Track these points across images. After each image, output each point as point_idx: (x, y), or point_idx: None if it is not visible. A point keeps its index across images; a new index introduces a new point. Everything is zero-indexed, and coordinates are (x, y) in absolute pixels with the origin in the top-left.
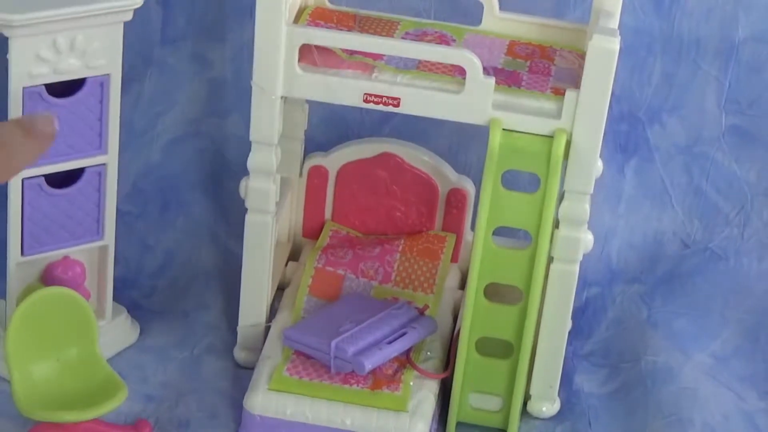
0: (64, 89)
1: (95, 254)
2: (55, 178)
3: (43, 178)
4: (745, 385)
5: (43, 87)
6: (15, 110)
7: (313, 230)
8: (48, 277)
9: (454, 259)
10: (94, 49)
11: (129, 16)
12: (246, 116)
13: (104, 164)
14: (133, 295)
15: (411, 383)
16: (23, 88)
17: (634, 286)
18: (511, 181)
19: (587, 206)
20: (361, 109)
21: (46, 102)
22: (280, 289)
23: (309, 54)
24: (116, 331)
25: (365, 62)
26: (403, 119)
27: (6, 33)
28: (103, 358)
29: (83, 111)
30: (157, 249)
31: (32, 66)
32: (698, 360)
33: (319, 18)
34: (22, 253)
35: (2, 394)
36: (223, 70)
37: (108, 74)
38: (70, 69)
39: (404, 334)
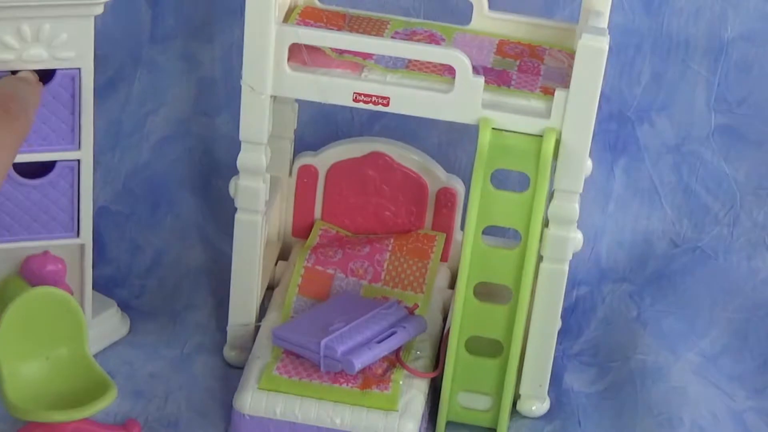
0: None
1: (76, 253)
2: (27, 169)
3: (12, 167)
4: (734, 383)
5: (9, 74)
6: None
7: (302, 229)
8: (26, 270)
9: (444, 258)
10: (61, 40)
11: (99, 10)
12: (235, 115)
13: (77, 160)
14: (122, 294)
15: (400, 382)
16: None
17: (623, 285)
18: (500, 180)
19: (577, 205)
20: (351, 108)
21: None
22: (270, 288)
23: (298, 53)
24: (106, 325)
25: (355, 61)
26: (392, 118)
27: None
28: (93, 358)
29: (54, 104)
30: (147, 249)
31: None
32: (687, 359)
33: (309, 17)
34: None
35: None
36: (212, 69)
37: (79, 68)
38: (36, 58)
39: (394, 333)
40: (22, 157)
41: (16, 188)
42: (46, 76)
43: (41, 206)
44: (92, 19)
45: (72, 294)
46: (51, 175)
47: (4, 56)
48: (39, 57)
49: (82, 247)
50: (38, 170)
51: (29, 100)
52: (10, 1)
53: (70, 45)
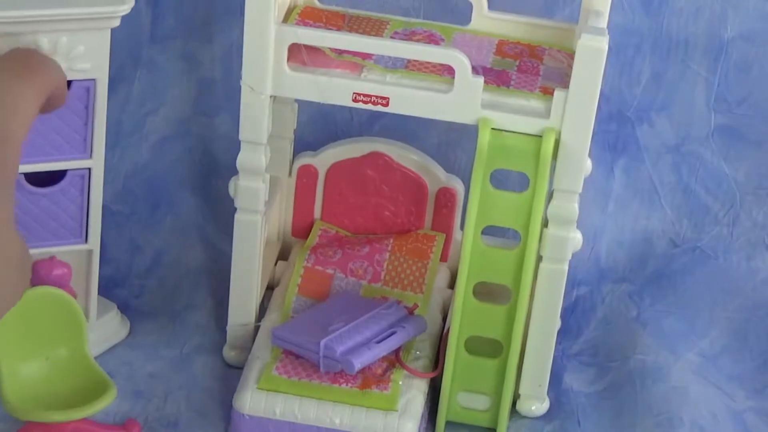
0: None
1: (83, 257)
2: (37, 178)
3: (22, 176)
4: (733, 383)
5: None
6: None
7: (302, 229)
8: (33, 275)
9: (444, 258)
10: (78, 52)
11: (116, 23)
12: (235, 116)
13: (89, 168)
14: (122, 294)
15: (400, 382)
16: None
17: (623, 285)
18: (500, 180)
19: (576, 205)
20: (350, 108)
21: None
22: (270, 288)
23: (298, 53)
24: (106, 328)
25: (354, 62)
26: (392, 118)
27: None
28: (93, 358)
29: (68, 114)
30: (147, 249)
31: None
32: (687, 359)
33: (308, 17)
34: None
35: None
36: (212, 69)
37: (94, 79)
38: None
39: (393, 333)
40: (35, 167)
41: (25, 196)
42: None
43: (51, 214)
44: (108, 32)
45: (76, 298)
46: (62, 184)
47: None
48: None
49: (89, 252)
50: (48, 178)
51: (48, 62)
52: (29, 16)
53: (87, 57)
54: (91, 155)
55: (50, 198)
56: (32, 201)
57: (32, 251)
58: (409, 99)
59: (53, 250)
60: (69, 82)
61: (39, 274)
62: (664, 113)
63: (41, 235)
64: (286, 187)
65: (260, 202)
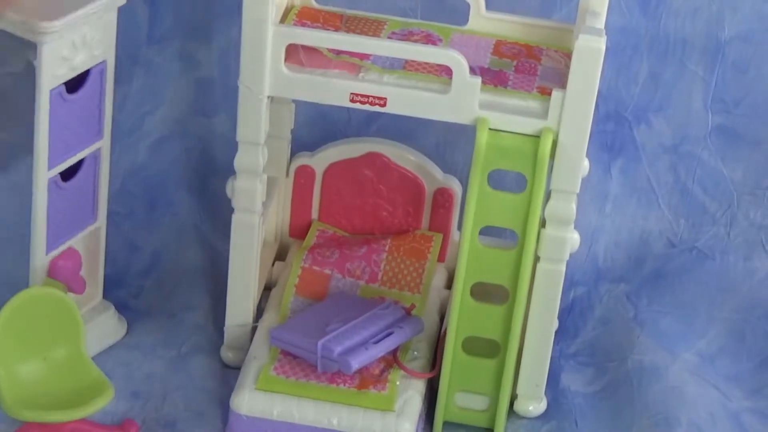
0: (72, 85)
1: (88, 239)
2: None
3: (59, 176)
4: (730, 383)
5: (63, 86)
6: (43, 114)
7: (299, 230)
8: (53, 269)
9: (441, 258)
10: (96, 39)
11: (123, 1)
12: (233, 116)
13: (99, 148)
14: (120, 294)
15: (398, 383)
16: (50, 90)
17: (620, 285)
18: (497, 180)
19: (573, 206)
20: (348, 108)
21: (65, 100)
22: (267, 288)
23: (295, 54)
24: (103, 328)
25: (352, 62)
26: (389, 119)
27: (35, 39)
28: (90, 358)
29: (87, 103)
30: (145, 249)
31: (57, 67)
32: (684, 359)
33: (306, 18)
34: (46, 252)
35: None
36: (210, 69)
37: (104, 60)
38: (80, 63)
39: (391, 333)
40: (67, 163)
41: (59, 194)
42: (79, 82)
43: (75, 204)
44: (116, 11)
45: (85, 286)
46: (81, 172)
47: (62, 70)
48: (83, 60)
49: (97, 230)
50: (66, 170)
51: None
52: (75, 18)
53: (99, 41)
54: (102, 135)
55: (73, 189)
56: (63, 197)
57: (58, 250)
58: (407, 99)
59: (72, 241)
60: (87, 72)
61: (57, 265)
62: (662, 113)
63: (68, 228)
64: (283, 188)
65: (257, 202)
